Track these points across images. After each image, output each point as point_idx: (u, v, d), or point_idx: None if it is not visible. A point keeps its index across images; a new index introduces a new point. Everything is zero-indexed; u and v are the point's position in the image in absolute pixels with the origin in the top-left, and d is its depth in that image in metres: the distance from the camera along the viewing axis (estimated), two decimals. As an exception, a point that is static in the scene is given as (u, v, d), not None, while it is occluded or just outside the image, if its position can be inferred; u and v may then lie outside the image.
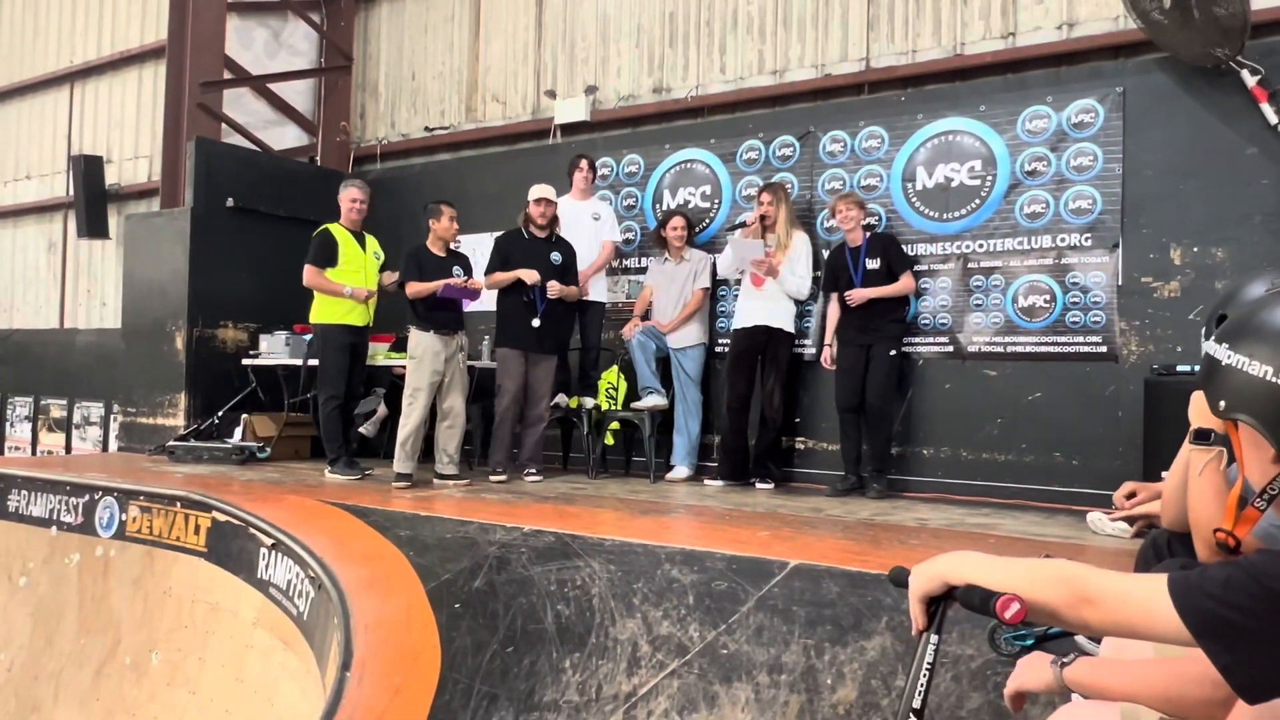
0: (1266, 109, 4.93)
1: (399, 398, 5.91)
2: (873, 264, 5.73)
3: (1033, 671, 1.65)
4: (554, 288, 6.05)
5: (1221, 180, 5.10)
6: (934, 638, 1.26)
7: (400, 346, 6.40)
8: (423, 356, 5.73)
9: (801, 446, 6.32)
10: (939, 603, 1.25)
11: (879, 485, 5.57)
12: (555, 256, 6.13)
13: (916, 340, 5.92)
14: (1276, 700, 1.03)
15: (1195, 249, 5.17)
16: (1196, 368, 4.53)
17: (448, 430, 5.85)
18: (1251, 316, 1.18)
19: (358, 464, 6.15)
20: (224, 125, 8.31)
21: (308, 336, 6.82)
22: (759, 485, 5.93)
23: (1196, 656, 1.08)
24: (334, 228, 6.20)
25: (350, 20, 9.10)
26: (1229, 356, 1.17)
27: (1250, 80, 4.95)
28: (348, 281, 6.12)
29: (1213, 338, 1.22)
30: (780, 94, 6.76)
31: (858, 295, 5.65)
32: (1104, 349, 5.37)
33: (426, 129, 8.63)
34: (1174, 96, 5.27)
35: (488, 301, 6.29)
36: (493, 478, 5.98)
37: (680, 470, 6.29)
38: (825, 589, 3.26)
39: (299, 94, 9.05)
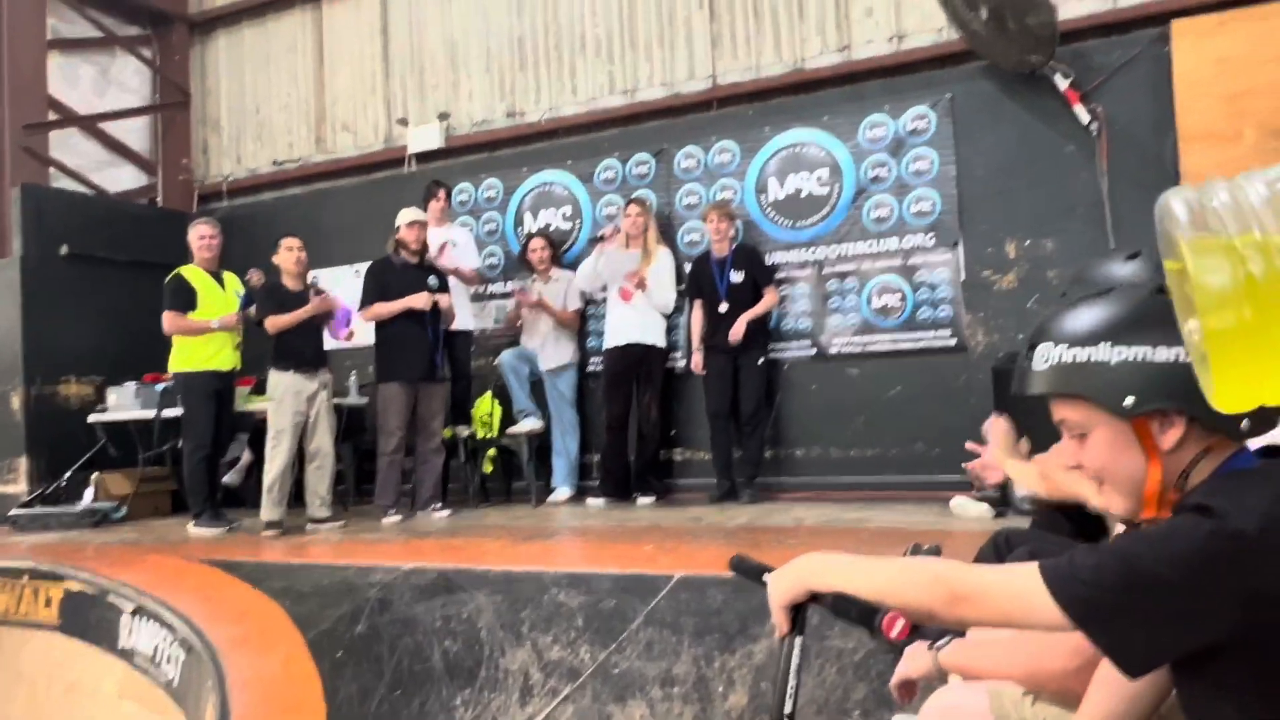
0: (1079, 109, 5.33)
1: (263, 443, 5.68)
2: (737, 276, 5.88)
3: (915, 660, 1.72)
4: (444, 299, 5.96)
5: (1046, 177, 5.47)
6: (798, 640, 1.25)
7: (262, 389, 6.14)
8: (283, 397, 5.54)
9: (679, 458, 6.40)
10: (801, 606, 1.24)
11: (751, 490, 5.70)
12: (432, 281, 5.98)
13: (781, 345, 6.10)
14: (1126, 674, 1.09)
15: (1028, 242, 5.53)
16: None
17: (317, 471, 5.66)
18: (1110, 314, 1.19)
19: (224, 515, 5.87)
20: (52, 169, 7.83)
21: (160, 386, 6.48)
22: (641, 500, 5.97)
23: (1053, 632, 1.13)
24: (187, 270, 5.90)
25: (185, 54, 8.73)
26: (1122, 353, 1.16)
27: (1063, 84, 5.34)
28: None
29: (1065, 346, 1.20)
30: (632, 113, 6.87)
31: (736, 334, 5.72)
32: (953, 341, 5.67)
33: (275, 163, 8.36)
34: (998, 101, 5.63)
35: (360, 336, 6.11)
36: (386, 520, 5.65)
37: (562, 492, 6.27)
38: (710, 598, 3.32)
39: (134, 132, 8.62)
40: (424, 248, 6.03)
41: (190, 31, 8.73)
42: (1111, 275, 1.91)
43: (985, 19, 5.26)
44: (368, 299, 5.88)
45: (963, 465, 2.47)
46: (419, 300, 5.78)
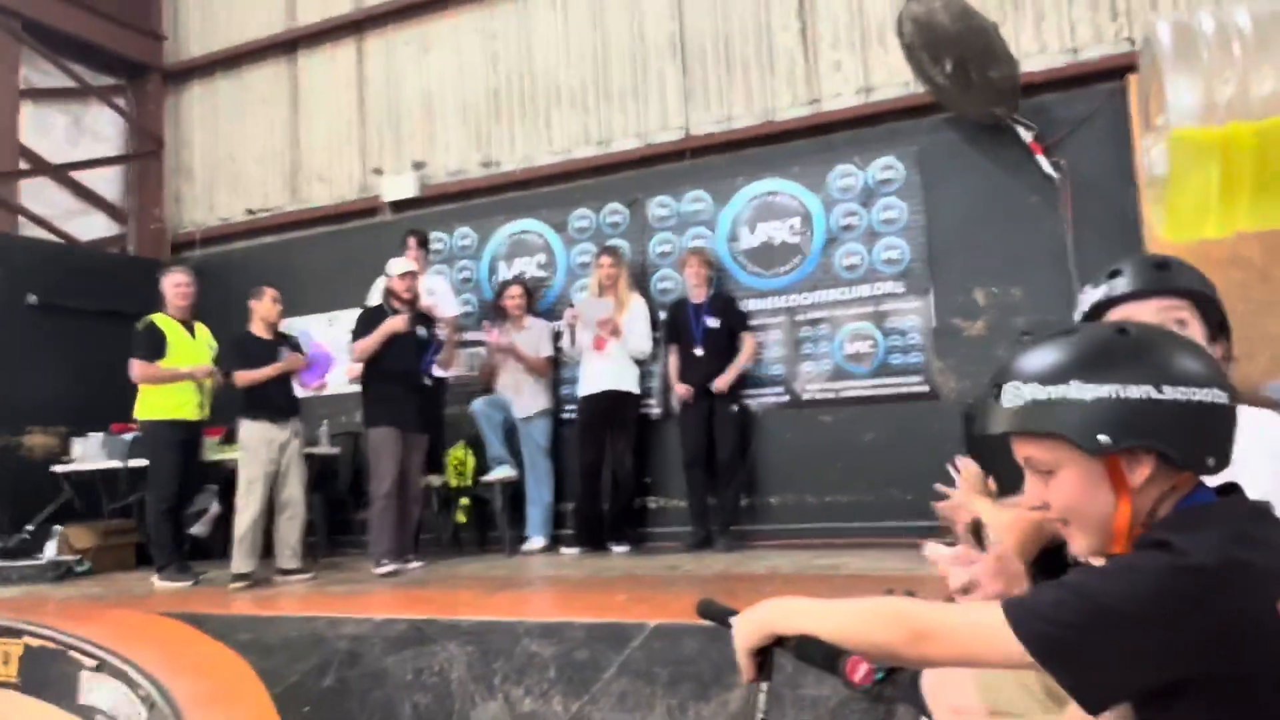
0: (1042, 160, 5.46)
1: (233, 494, 5.59)
2: (713, 322, 5.92)
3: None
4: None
5: (1011, 226, 5.58)
6: (764, 685, 1.24)
7: (232, 439, 6.07)
8: (255, 447, 5.48)
9: (654, 505, 6.38)
10: (767, 651, 1.22)
11: (726, 538, 5.68)
12: (422, 331, 5.92)
13: (755, 392, 6.12)
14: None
15: (995, 290, 5.61)
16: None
17: (288, 522, 5.58)
18: (1098, 349, 1.19)
19: (190, 568, 5.75)
20: (20, 218, 7.78)
21: (128, 436, 6.38)
22: (615, 549, 5.93)
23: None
24: (158, 318, 5.84)
25: (159, 103, 8.75)
26: (1095, 390, 1.15)
27: (1026, 135, 5.47)
28: None
29: (1035, 384, 1.20)
30: (606, 163, 6.94)
31: (724, 384, 5.81)
32: (925, 388, 5.72)
33: (249, 211, 8.35)
34: (963, 152, 5.75)
35: (333, 385, 6.07)
36: (379, 570, 5.43)
37: (535, 541, 6.22)
38: (685, 647, 3.29)
39: (107, 182, 8.59)
40: (415, 297, 5.97)
41: (164, 81, 8.77)
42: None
43: (949, 72, 5.40)
44: (358, 337, 5.77)
45: (932, 503, 2.48)
46: (397, 322, 5.68)
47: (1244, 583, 1.03)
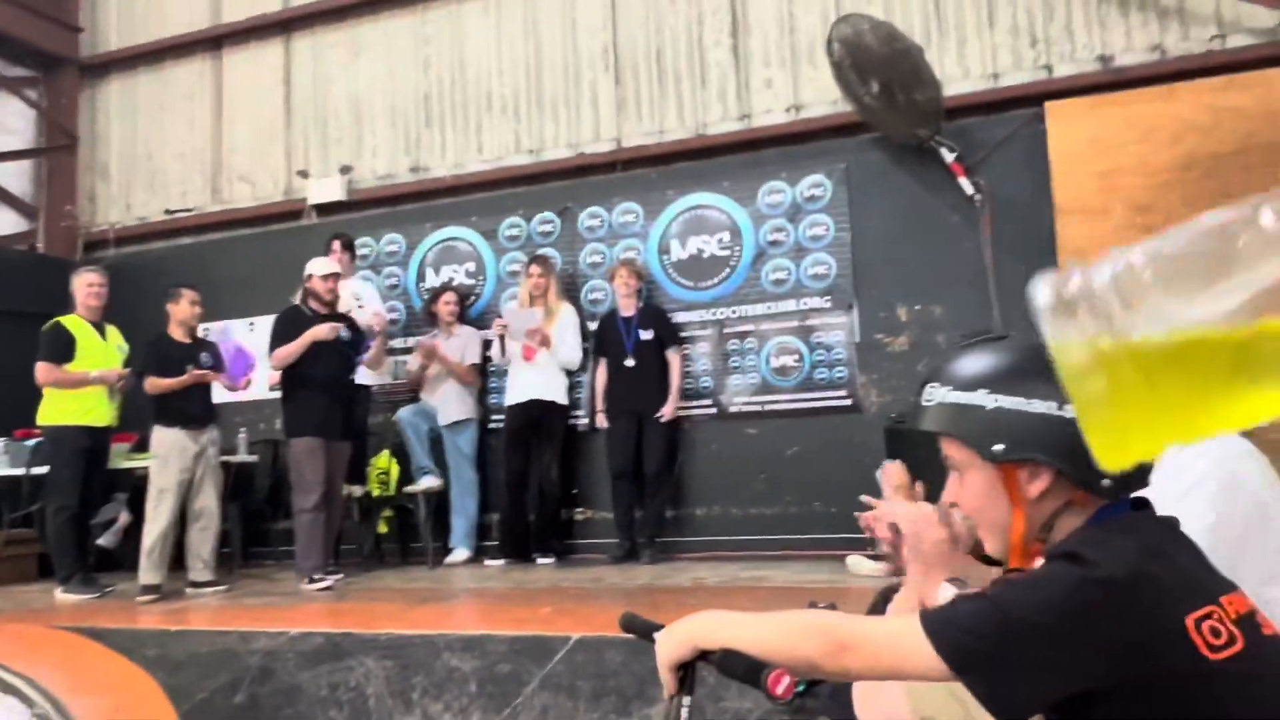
0: (964, 182, 5.60)
1: (143, 503, 5.40)
2: (645, 334, 5.93)
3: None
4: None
5: (934, 245, 5.72)
6: (686, 699, 1.23)
7: (144, 446, 5.86)
8: (168, 454, 5.30)
9: (581, 517, 6.35)
10: (689, 665, 1.22)
11: (652, 550, 5.68)
12: (345, 333, 5.66)
13: (683, 404, 6.14)
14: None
15: (918, 307, 5.74)
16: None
17: (201, 533, 5.41)
18: (995, 361, 1.22)
19: (96, 580, 5.53)
20: (-79, 212, 7.42)
21: (31, 442, 6.11)
22: (540, 561, 5.88)
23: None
24: (68, 319, 5.60)
25: (74, 97, 8.44)
26: (998, 400, 1.19)
27: (949, 157, 5.62)
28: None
29: (951, 388, 1.23)
30: (538, 172, 6.92)
31: (668, 413, 5.84)
32: (849, 401, 5.81)
33: (167, 211, 8.10)
34: (889, 172, 5.88)
35: (255, 389, 5.91)
36: (309, 586, 5.22)
37: (460, 553, 6.13)
38: (608, 660, 3.27)
39: (15, 176, 8.24)
40: (336, 299, 5.78)
41: (81, 75, 8.46)
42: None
43: (876, 93, 5.51)
44: (276, 347, 5.53)
45: (856, 514, 2.51)
46: (322, 330, 5.47)
47: (1152, 596, 1.05)
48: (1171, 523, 1.20)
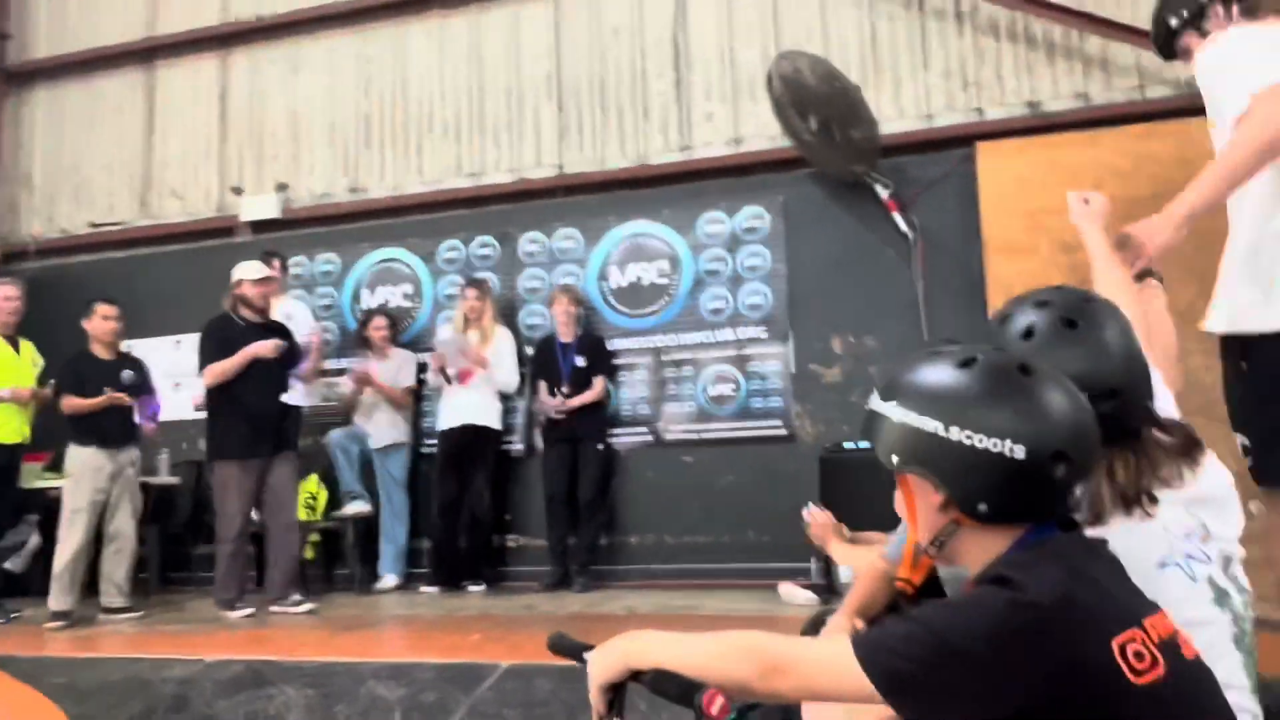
0: (898, 218, 5.74)
1: (55, 525, 5.18)
2: (581, 361, 5.91)
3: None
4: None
5: (868, 278, 5.83)
6: None
7: (57, 465, 5.63)
8: (82, 474, 5.10)
9: (513, 544, 6.27)
10: (620, 686, 1.21)
11: (584, 578, 5.64)
12: (279, 344, 5.35)
13: (619, 431, 6.13)
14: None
15: (852, 338, 5.83)
16: (861, 444, 5.01)
17: (115, 556, 5.20)
18: (913, 375, 1.25)
19: (2, 605, 5.28)
20: None
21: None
22: (471, 588, 5.79)
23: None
24: (-23, 334, 5.40)
25: (-2, 105, 8.18)
26: (898, 412, 1.23)
27: (883, 193, 5.75)
28: None
29: (877, 395, 1.28)
30: (478, 196, 6.88)
31: (562, 404, 5.81)
32: (784, 431, 5.87)
33: (93, 225, 7.86)
34: (826, 206, 5.99)
35: (173, 411, 5.71)
36: (232, 613, 4.97)
37: (388, 579, 6.01)
38: (538, 688, 3.22)
39: (-70, 184, 7.94)
40: (267, 307, 5.51)
41: (5, 82, 8.20)
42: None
43: (815, 129, 5.62)
44: (207, 358, 5.18)
45: (804, 517, 2.56)
46: (265, 347, 5.15)
47: (1079, 620, 1.06)
48: (1096, 544, 1.22)
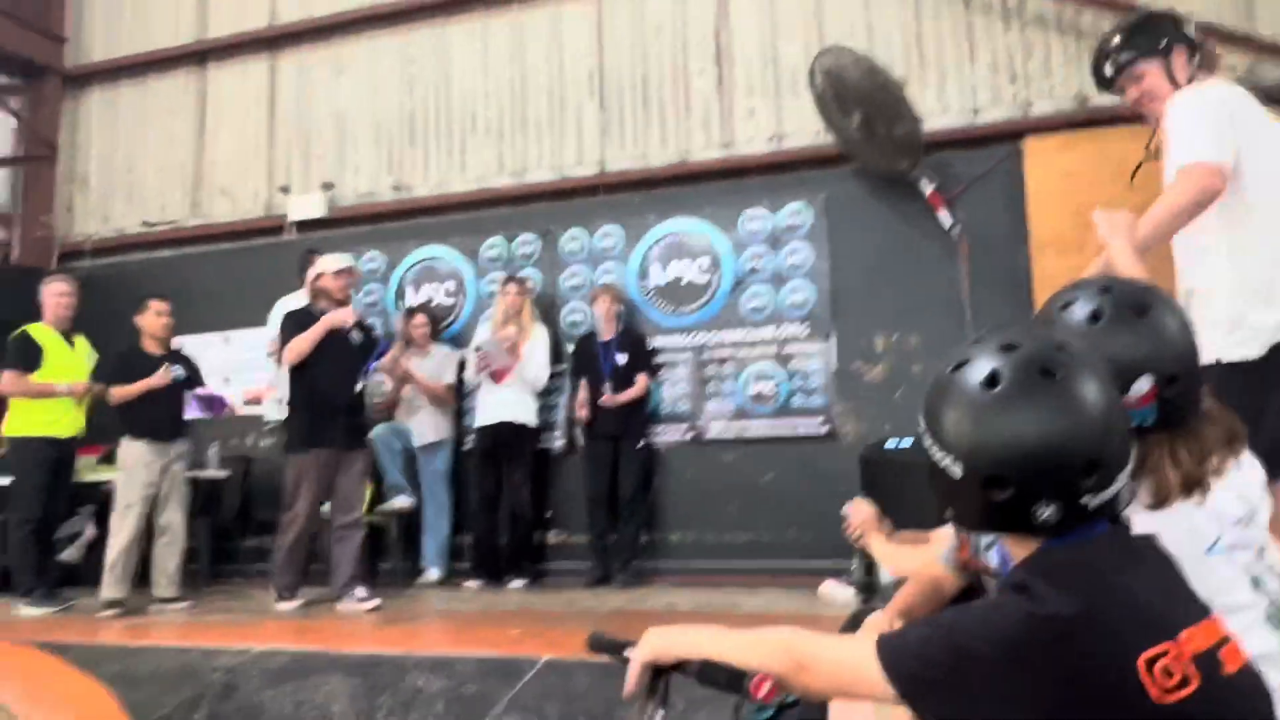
0: (942, 214, 5.67)
1: (109, 517, 5.31)
2: (622, 359, 5.92)
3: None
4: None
5: (910, 275, 5.76)
6: (660, 713, 1.25)
7: (111, 459, 5.77)
8: (134, 468, 5.22)
9: (555, 540, 6.30)
10: (661, 675, 1.24)
11: (625, 575, 5.65)
12: (356, 336, 5.34)
13: (660, 429, 6.13)
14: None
15: (894, 336, 5.78)
16: (902, 443, 4.95)
17: (166, 548, 5.32)
18: (937, 387, 1.23)
19: (58, 594, 5.43)
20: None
21: (-4, 452, 6.02)
22: (512, 583, 5.83)
23: None
24: (35, 328, 5.53)
25: (56, 107, 8.39)
26: (920, 416, 1.23)
27: (927, 189, 5.68)
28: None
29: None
30: (520, 194, 6.93)
31: (609, 400, 5.82)
32: (825, 429, 5.83)
33: (145, 224, 8.05)
34: (868, 202, 5.93)
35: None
36: (282, 605, 4.98)
37: (431, 573, 6.07)
38: (577, 682, 3.24)
39: (-8, 185, 8.18)
40: (347, 299, 5.44)
41: (63, 85, 8.42)
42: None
43: (857, 125, 5.58)
44: (288, 339, 5.17)
45: (843, 511, 2.53)
46: (344, 315, 5.13)
47: (1100, 636, 1.04)
48: (1140, 546, 1.17)
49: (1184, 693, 1.02)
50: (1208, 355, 2.36)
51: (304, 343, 5.11)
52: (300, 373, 5.19)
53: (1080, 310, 1.50)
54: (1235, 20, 5.45)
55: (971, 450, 1.13)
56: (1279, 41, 5.32)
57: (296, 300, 6.12)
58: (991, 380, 1.14)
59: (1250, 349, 2.54)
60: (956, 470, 1.14)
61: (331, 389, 5.16)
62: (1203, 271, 2.69)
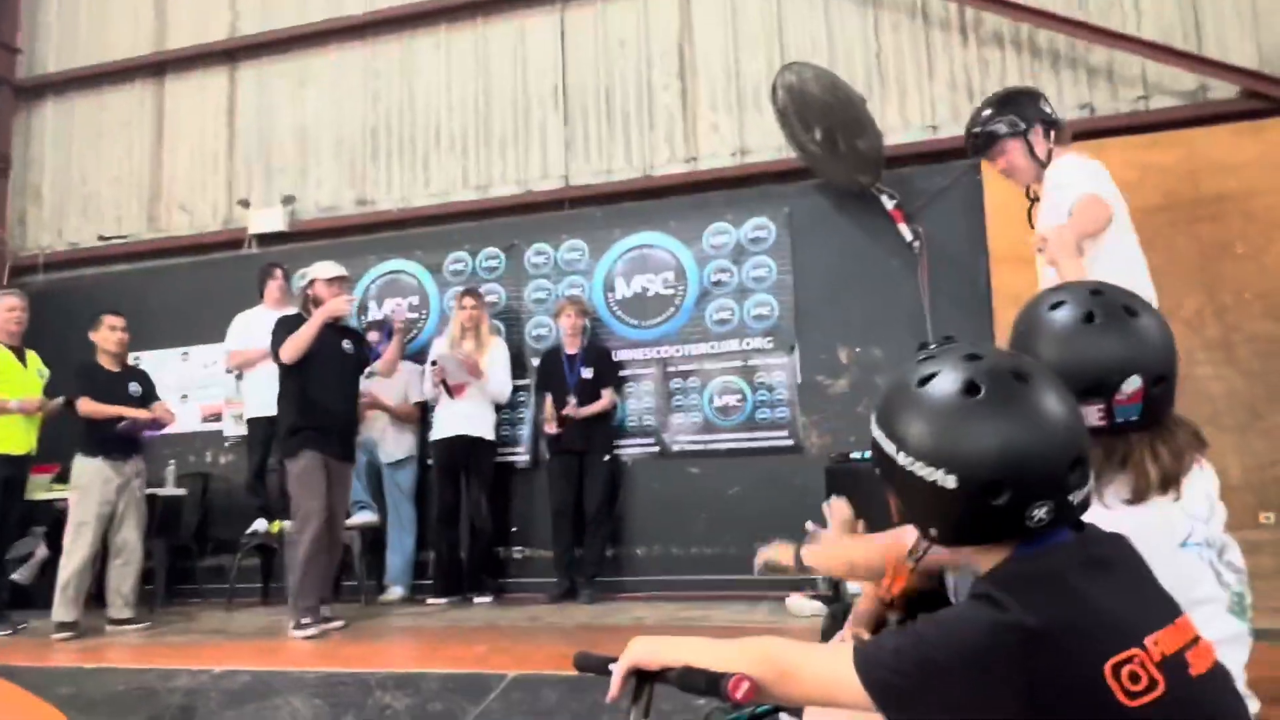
0: (903, 228, 5.74)
1: (61, 537, 5.18)
2: (587, 373, 5.90)
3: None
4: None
5: (874, 288, 5.82)
6: None
7: (64, 478, 5.64)
8: (89, 486, 5.11)
9: (519, 555, 6.26)
10: (644, 681, 1.27)
11: (591, 589, 5.62)
12: (346, 345, 5.15)
13: (625, 443, 6.12)
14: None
15: (858, 349, 5.83)
16: (867, 454, 4.99)
17: (122, 568, 5.20)
18: (888, 387, 1.25)
19: (9, 617, 5.29)
20: None
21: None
22: (476, 599, 5.77)
23: None
24: (-15, 344, 5.43)
25: (8, 119, 8.23)
26: (873, 428, 1.23)
27: (889, 203, 5.75)
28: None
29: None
30: (484, 208, 6.90)
31: (573, 412, 5.78)
32: (790, 442, 5.86)
33: (101, 238, 7.90)
34: (831, 216, 5.99)
35: (185, 422, 5.70)
36: (298, 632, 4.60)
37: (395, 590, 6.00)
38: (544, 698, 3.21)
39: (-60, 198, 7.99)
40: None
41: (15, 96, 8.27)
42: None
43: (819, 140, 5.64)
44: (280, 343, 4.95)
45: (807, 527, 2.51)
46: (340, 305, 4.96)
47: (1065, 644, 1.04)
48: (1105, 552, 1.17)
49: (1152, 696, 1.04)
50: None
51: (303, 338, 4.88)
52: (295, 379, 4.94)
53: (1073, 311, 1.55)
54: (1184, 40, 5.60)
55: (966, 459, 1.12)
56: (1227, 60, 5.46)
57: (255, 315, 6.05)
58: (971, 389, 1.14)
59: None
60: (949, 482, 1.13)
61: (327, 397, 4.95)
62: None
